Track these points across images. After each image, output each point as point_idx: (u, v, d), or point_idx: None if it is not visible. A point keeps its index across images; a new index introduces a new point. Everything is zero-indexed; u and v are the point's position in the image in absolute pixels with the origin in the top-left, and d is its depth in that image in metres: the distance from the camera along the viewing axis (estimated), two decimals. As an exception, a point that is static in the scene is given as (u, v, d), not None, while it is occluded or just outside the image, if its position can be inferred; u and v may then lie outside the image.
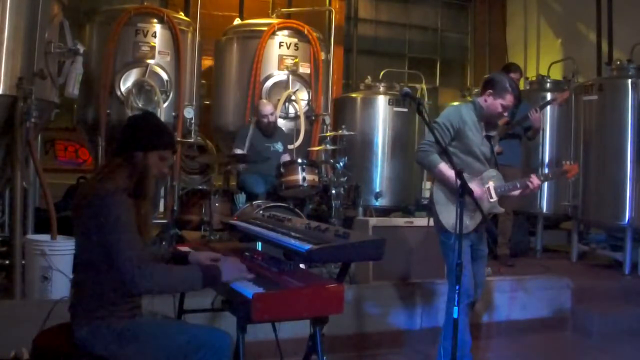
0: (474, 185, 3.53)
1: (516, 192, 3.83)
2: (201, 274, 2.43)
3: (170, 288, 2.53)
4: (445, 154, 3.41)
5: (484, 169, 3.74)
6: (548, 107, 6.86)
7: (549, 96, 6.63)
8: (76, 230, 2.49)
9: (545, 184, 6.89)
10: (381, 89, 7.71)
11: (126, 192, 2.39)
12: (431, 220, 3.78)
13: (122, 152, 2.51)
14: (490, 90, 3.69)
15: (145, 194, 2.49)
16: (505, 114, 3.75)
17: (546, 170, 6.82)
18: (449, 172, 3.54)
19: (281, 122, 6.43)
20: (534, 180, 3.76)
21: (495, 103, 3.67)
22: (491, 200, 3.70)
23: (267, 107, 5.95)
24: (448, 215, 3.60)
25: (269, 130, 5.92)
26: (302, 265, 3.01)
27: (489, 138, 3.78)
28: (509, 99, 3.65)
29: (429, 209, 3.81)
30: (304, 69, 6.84)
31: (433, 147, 3.60)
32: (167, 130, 2.62)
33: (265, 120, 5.86)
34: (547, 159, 6.97)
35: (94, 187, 2.42)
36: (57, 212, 4.26)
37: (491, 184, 3.71)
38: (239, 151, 5.77)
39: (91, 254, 2.40)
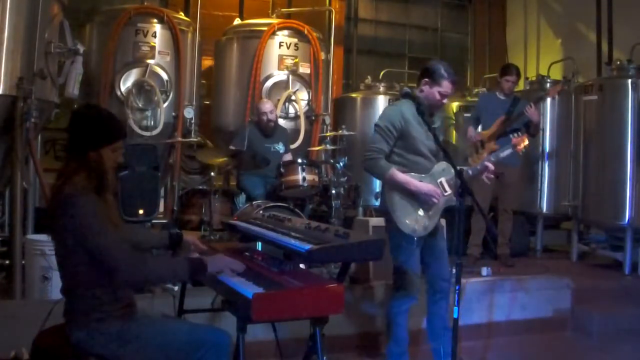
0: (426, 184, 3.49)
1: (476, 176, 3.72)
2: (188, 265, 2.46)
3: (161, 277, 2.52)
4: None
5: (432, 165, 3.64)
6: (548, 107, 6.89)
7: (547, 95, 6.64)
8: (53, 239, 2.48)
9: (546, 185, 6.92)
10: (381, 89, 7.71)
11: (89, 192, 2.38)
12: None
13: (75, 154, 2.47)
14: (427, 79, 3.59)
15: (107, 188, 2.49)
16: (445, 101, 3.62)
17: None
18: (401, 176, 3.48)
19: (281, 122, 6.43)
20: (487, 164, 3.66)
21: (432, 91, 3.57)
22: (445, 194, 3.59)
23: (266, 105, 5.89)
24: (408, 219, 3.51)
25: (268, 130, 5.83)
26: (302, 265, 3.01)
27: (431, 129, 3.60)
28: (446, 85, 3.54)
29: (384, 213, 3.63)
30: (304, 69, 6.83)
31: (380, 152, 3.51)
32: (113, 121, 2.56)
33: (265, 117, 5.78)
34: (546, 159, 6.96)
35: (58, 194, 2.40)
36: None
37: (443, 179, 3.61)
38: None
39: (76, 260, 2.38)
